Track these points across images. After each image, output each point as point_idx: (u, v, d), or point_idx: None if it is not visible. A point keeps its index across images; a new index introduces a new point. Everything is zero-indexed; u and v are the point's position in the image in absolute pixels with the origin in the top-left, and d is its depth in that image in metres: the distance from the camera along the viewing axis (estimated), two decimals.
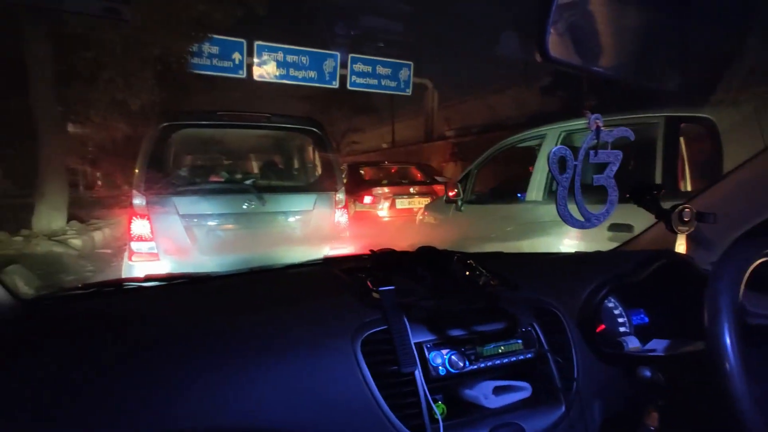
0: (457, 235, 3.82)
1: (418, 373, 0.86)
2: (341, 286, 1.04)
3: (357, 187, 7.21)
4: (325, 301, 0.97)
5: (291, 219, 3.13)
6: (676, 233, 1.27)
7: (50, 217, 6.53)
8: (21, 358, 0.74)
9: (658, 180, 2.43)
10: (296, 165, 4.04)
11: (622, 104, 2.59)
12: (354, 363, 0.84)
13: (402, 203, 6.91)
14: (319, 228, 3.15)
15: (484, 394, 0.89)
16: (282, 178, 3.79)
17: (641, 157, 2.65)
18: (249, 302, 0.99)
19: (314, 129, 3.37)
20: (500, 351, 0.94)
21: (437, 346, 0.90)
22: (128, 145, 13.11)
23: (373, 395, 0.82)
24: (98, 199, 11.76)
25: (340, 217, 3.28)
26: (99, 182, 14.96)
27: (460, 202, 3.70)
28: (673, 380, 0.97)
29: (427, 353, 0.89)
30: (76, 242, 5.99)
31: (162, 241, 2.80)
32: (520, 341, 0.97)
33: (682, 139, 2.54)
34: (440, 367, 0.88)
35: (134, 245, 2.81)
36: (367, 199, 6.92)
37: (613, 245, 1.63)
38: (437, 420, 0.84)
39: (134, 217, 2.82)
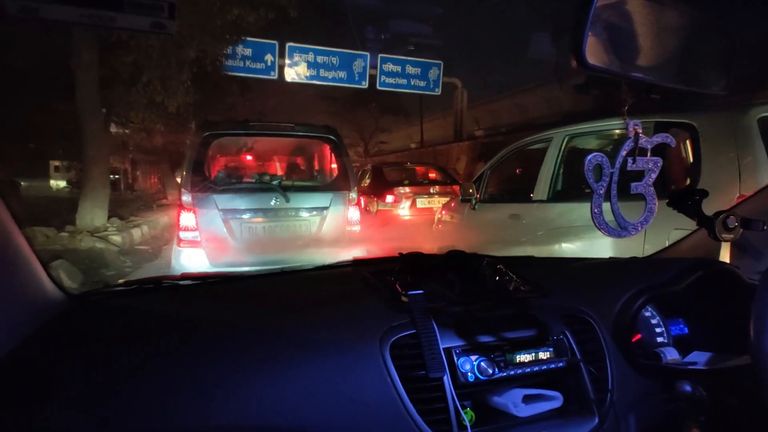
0: (472, 232, 3.98)
1: (447, 379, 0.85)
2: (370, 289, 1.04)
3: (380, 187, 7.42)
4: (354, 304, 0.97)
5: (310, 214, 3.63)
6: (719, 241, 1.20)
7: (93, 214, 6.81)
8: (70, 351, 0.78)
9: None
10: (315, 167, 4.63)
11: (662, 105, 2.54)
12: (382, 366, 0.83)
13: (422, 202, 7.11)
14: (334, 222, 3.64)
15: (513, 402, 0.87)
16: (303, 179, 4.31)
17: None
18: (281, 303, 1.00)
19: (331, 136, 3.87)
20: (531, 359, 0.92)
21: (466, 351, 0.89)
22: (166, 145, 13.69)
23: (401, 399, 0.81)
24: (137, 198, 12.27)
25: (353, 213, 3.74)
26: (139, 181, 15.59)
27: (474, 201, 3.85)
28: (716, 396, 0.93)
29: (455, 359, 0.87)
30: (117, 239, 6.24)
31: (204, 231, 3.32)
32: (551, 349, 0.94)
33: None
34: (469, 374, 0.87)
35: (182, 234, 3.33)
36: (390, 198, 7.12)
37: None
38: (465, 426, 0.83)
39: (182, 211, 3.35)
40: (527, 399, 0.88)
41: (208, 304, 1.01)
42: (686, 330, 1.20)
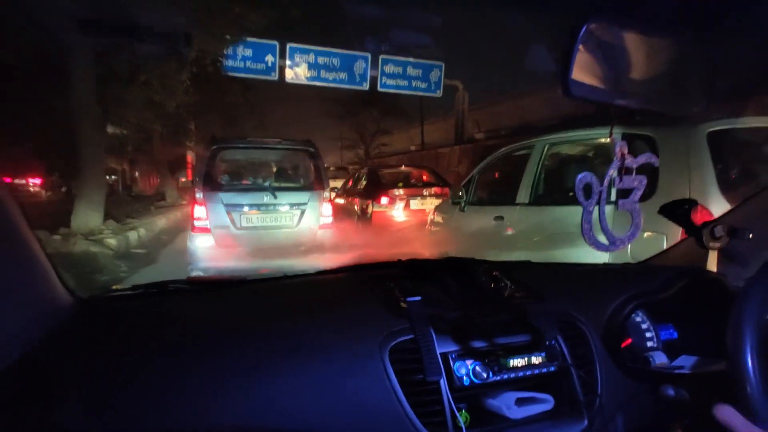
0: (460, 232, 4.20)
1: (443, 382, 0.87)
2: (370, 294, 1.05)
3: (375, 189, 7.43)
4: (355, 309, 1.00)
5: (293, 208, 4.69)
6: (707, 249, 1.26)
7: (87, 216, 6.67)
8: (79, 355, 0.79)
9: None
10: (297, 172, 5.80)
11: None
12: (382, 370, 0.86)
13: (415, 204, 7.16)
14: (311, 214, 4.73)
15: (506, 404, 0.90)
16: (288, 181, 5.43)
17: (600, 170, 2.86)
18: (284, 307, 1.03)
19: (310, 148, 5.02)
20: (524, 363, 0.95)
21: (462, 356, 0.92)
22: (165, 147, 13.68)
23: (399, 402, 0.84)
24: (135, 199, 12.21)
25: (326, 208, 4.83)
26: (138, 183, 15.55)
27: (463, 204, 4.10)
28: (699, 398, 0.95)
29: (452, 363, 0.90)
30: (112, 242, 6.09)
31: (212, 220, 4.40)
32: (543, 354, 0.97)
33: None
34: (464, 377, 0.90)
35: (196, 222, 4.40)
36: (384, 200, 7.19)
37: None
38: (460, 428, 0.86)
39: (196, 205, 4.40)
40: (520, 402, 0.91)
41: (213, 308, 1.04)
42: (675, 334, 1.23)
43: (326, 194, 4.90)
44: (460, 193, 4.09)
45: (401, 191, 7.08)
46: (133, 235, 6.83)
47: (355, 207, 7.98)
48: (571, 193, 3.04)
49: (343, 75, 14.78)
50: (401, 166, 8.73)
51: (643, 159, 0.97)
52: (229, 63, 13.38)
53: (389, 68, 15.13)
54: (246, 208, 4.54)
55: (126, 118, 6.95)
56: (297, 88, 15.84)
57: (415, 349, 0.89)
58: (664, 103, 1.04)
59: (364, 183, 8.13)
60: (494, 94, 17.91)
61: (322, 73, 14.62)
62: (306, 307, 1.02)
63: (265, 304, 1.07)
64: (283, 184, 5.10)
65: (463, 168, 12.21)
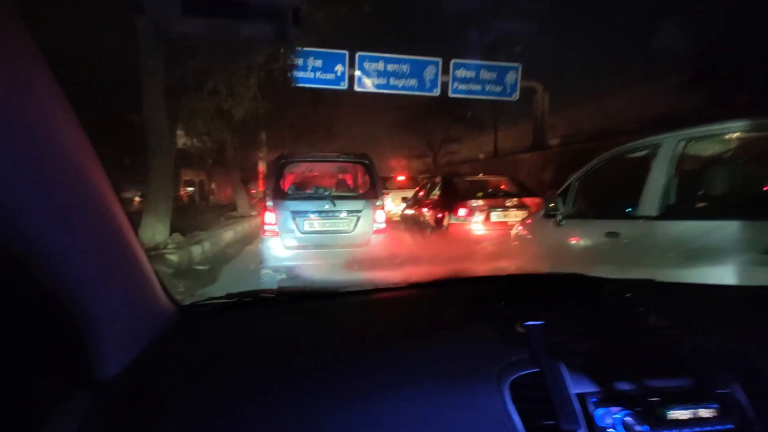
0: (557, 251, 3.63)
1: None
2: (477, 314, 0.96)
3: (451, 200, 6.67)
4: (462, 332, 0.90)
5: (349, 214, 5.16)
6: None
7: (155, 228, 6.58)
8: (181, 367, 0.79)
9: None
10: (354, 182, 6.31)
11: None
12: (501, 409, 0.72)
13: (497, 216, 6.28)
14: (365, 220, 5.18)
15: None
16: (345, 191, 5.79)
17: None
18: (381, 326, 0.97)
19: (365, 161, 5.47)
20: (689, 417, 0.74)
21: (604, 401, 0.75)
22: (237, 157, 13.98)
23: None
24: (210, 209, 12.41)
25: (379, 215, 5.25)
26: (215, 193, 16.03)
27: (560, 217, 3.53)
28: None
29: (591, 409, 0.74)
30: (173, 258, 5.88)
31: (280, 225, 4.96)
32: (716, 406, 0.76)
33: None
34: (610, 430, 0.72)
35: (266, 227, 4.96)
36: (462, 212, 6.40)
37: None
38: None
39: (266, 212, 4.98)
40: None
41: (306, 322, 1.01)
42: None
43: (379, 203, 5.27)
44: (555, 205, 3.51)
45: (481, 202, 6.26)
46: (197, 250, 6.57)
47: (428, 219, 7.28)
48: (727, 204, 2.47)
49: (413, 81, 14.34)
50: (479, 174, 7.87)
51: None
52: (300, 74, 13.52)
53: (461, 72, 14.46)
54: (309, 215, 5.04)
55: (196, 128, 6.75)
56: (364, 99, 15.72)
57: (540, 386, 0.74)
58: None
59: (437, 193, 7.40)
60: (570, 97, 16.37)
61: (392, 81, 14.30)
62: (406, 327, 0.96)
63: (359, 321, 1.02)
64: (341, 194, 5.45)
65: (547, 175, 11.01)
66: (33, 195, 0.54)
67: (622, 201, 3.23)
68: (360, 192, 5.58)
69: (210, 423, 0.69)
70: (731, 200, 2.52)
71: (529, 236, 4.20)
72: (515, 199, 6.27)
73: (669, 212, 2.73)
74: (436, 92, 14.44)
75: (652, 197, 2.81)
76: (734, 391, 0.79)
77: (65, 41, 4.78)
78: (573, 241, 3.46)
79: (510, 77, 14.65)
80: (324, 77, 14.05)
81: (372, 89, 14.32)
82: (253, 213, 12.03)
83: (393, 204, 11.36)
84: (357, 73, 14.09)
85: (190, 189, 14.61)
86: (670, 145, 2.80)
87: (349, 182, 6.22)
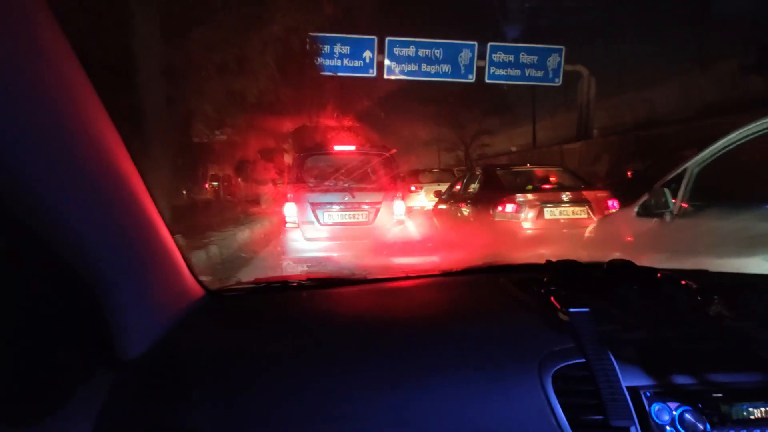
0: (669, 253, 2.92)
1: (635, 431, 0.66)
2: (517, 301, 0.92)
3: (495, 194, 5.75)
4: (501, 319, 0.86)
5: (369, 206, 5.22)
6: None
7: None
8: (208, 348, 0.79)
9: None
10: (374, 174, 5.95)
11: None
12: (545, 402, 0.68)
13: (551, 213, 5.30)
14: (385, 212, 5.23)
15: None
16: (365, 182, 5.57)
17: None
18: (414, 312, 0.93)
19: (384, 153, 5.53)
20: (760, 416, 0.69)
21: (660, 396, 0.69)
22: (261, 150, 13.43)
23: None
24: (234, 204, 11.83)
25: (398, 206, 5.28)
26: (239, 188, 15.54)
27: (669, 215, 2.89)
28: None
29: (646, 404, 0.68)
30: None
31: (300, 216, 5.05)
32: None
33: None
34: (668, 427, 0.67)
35: (287, 218, 5.03)
36: (509, 208, 5.45)
37: None
38: None
39: (287, 203, 5.05)
40: None
41: (336, 309, 0.97)
42: None
43: (399, 194, 5.36)
44: (664, 200, 2.87)
45: (531, 196, 5.32)
46: (199, 256, 5.61)
47: (467, 216, 6.42)
48: None
49: (446, 68, 13.42)
50: (526, 164, 6.88)
51: None
52: (326, 62, 12.93)
53: (498, 56, 13.43)
54: (329, 207, 5.09)
55: (204, 113, 5.98)
56: (392, 89, 14.91)
57: (587, 378, 0.69)
58: None
59: (477, 186, 6.51)
60: (612, 86, 14.96)
61: (423, 67, 13.43)
62: (439, 312, 0.92)
63: (391, 307, 0.97)
64: (361, 185, 5.38)
65: (601, 167, 9.88)
66: (66, 183, 0.55)
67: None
68: (380, 184, 5.54)
69: (235, 405, 0.68)
70: None
71: (614, 239, 3.45)
72: (572, 193, 5.30)
73: None
74: (472, 78, 13.48)
75: None
76: None
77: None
78: (697, 243, 2.76)
79: (552, 61, 13.52)
80: (351, 64, 13.32)
81: (403, 76, 13.49)
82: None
83: (426, 199, 10.52)
84: (386, 59, 13.30)
85: (215, 184, 14.16)
86: None
87: (370, 175, 6.10)
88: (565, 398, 0.68)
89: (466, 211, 6.57)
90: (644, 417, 0.67)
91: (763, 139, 2.66)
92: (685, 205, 2.89)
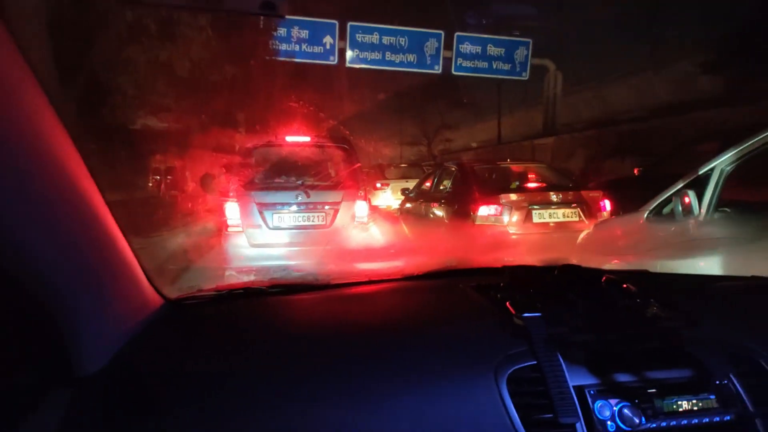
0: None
1: (580, 427, 0.72)
2: (475, 306, 0.96)
3: (474, 193, 5.07)
4: (459, 325, 0.89)
5: (326, 207, 4.51)
6: None
7: None
8: (169, 359, 0.79)
9: None
10: (332, 170, 5.16)
11: None
12: (500, 403, 0.72)
13: (540, 216, 4.68)
14: (345, 214, 4.53)
15: None
16: (322, 179, 4.81)
17: None
18: (375, 318, 0.94)
19: (344, 146, 4.93)
20: (687, 408, 0.76)
21: (603, 393, 0.76)
22: (205, 140, 12.14)
23: None
24: (177, 202, 10.57)
25: (360, 207, 4.59)
26: (187, 182, 14.16)
27: (694, 220, 2.50)
28: None
29: (590, 402, 0.74)
30: None
31: (244, 219, 4.32)
32: (713, 397, 0.77)
33: None
34: (608, 422, 0.73)
35: (229, 221, 4.31)
36: (490, 210, 4.77)
37: None
38: None
39: (228, 204, 4.30)
40: None
41: (299, 315, 0.98)
42: None
43: (361, 193, 4.66)
44: (689, 203, 2.52)
45: (517, 196, 4.68)
46: None
47: (440, 218, 5.72)
48: None
49: (411, 57, 12.70)
50: (507, 160, 6.23)
51: None
52: (282, 46, 11.93)
53: (466, 47, 12.86)
54: (279, 208, 4.43)
55: (120, 88, 4.62)
56: (354, 80, 14.09)
57: (539, 379, 0.75)
58: None
59: (452, 184, 5.83)
60: (569, 84, 14.82)
61: (388, 56, 12.64)
62: (401, 318, 0.94)
63: (353, 312, 0.98)
64: (317, 183, 4.70)
65: (576, 164, 9.50)
66: (8, 192, 0.52)
67: None
68: (339, 181, 4.83)
69: (200, 416, 0.67)
70: None
71: (619, 247, 3.03)
72: (562, 193, 4.71)
73: None
74: (438, 69, 12.86)
75: None
76: (732, 381, 0.79)
77: None
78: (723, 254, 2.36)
79: (520, 54, 13.12)
80: (311, 50, 12.33)
81: (366, 65, 12.65)
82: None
83: (393, 197, 9.81)
84: (348, 45, 12.41)
85: (156, 178, 12.75)
86: None
87: (327, 170, 5.36)
88: (518, 399, 0.72)
89: (439, 212, 5.88)
90: (588, 413, 0.72)
91: None
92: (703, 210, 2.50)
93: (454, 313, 0.94)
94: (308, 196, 4.46)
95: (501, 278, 1.02)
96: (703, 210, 2.51)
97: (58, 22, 3.89)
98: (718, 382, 0.78)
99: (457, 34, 12.72)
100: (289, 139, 4.94)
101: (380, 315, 0.95)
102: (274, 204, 4.42)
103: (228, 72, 5.91)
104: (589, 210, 4.60)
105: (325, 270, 3.91)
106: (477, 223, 4.81)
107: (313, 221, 4.52)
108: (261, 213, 4.38)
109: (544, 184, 5.02)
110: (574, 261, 3.09)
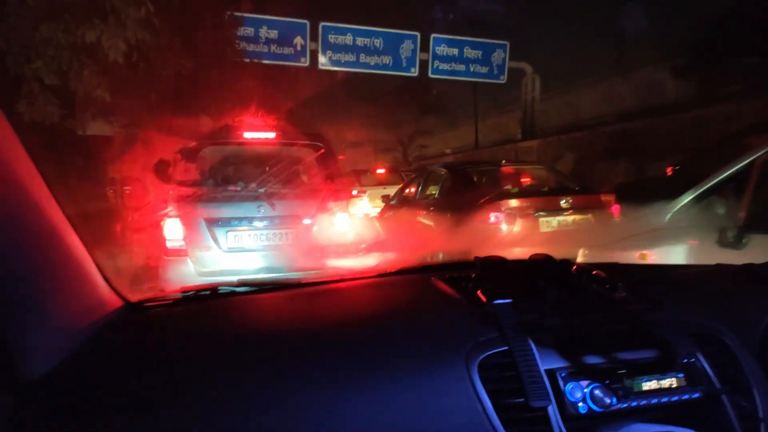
0: None
1: (553, 410, 0.72)
2: (446, 297, 0.97)
3: (470, 199, 4.46)
4: (430, 315, 0.90)
5: (296, 221, 3.50)
6: None
7: None
8: (126, 361, 0.75)
9: None
10: (303, 174, 4.29)
11: None
12: (471, 390, 0.72)
13: (548, 224, 4.13)
14: (322, 230, 3.55)
15: None
16: (290, 186, 3.84)
17: None
18: (345, 313, 0.94)
19: (319, 143, 3.90)
20: (656, 387, 0.77)
21: (574, 375, 0.76)
22: (158, 143, 11.13)
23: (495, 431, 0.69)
24: (121, 216, 9.49)
25: (341, 220, 3.62)
26: (148, 193, 13.07)
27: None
28: None
29: (561, 384, 0.75)
30: None
31: (189, 239, 3.30)
32: (681, 375, 0.79)
33: None
34: (580, 403, 0.74)
35: (168, 243, 3.28)
36: (492, 218, 4.14)
37: None
38: None
39: (167, 220, 3.29)
40: None
41: (269, 314, 0.96)
42: None
43: (342, 202, 3.79)
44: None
45: (520, 202, 4.10)
46: None
47: (430, 227, 5.11)
48: None
49: (387, 59, 12.20)
50: (502, 161, 5.65)
51: None
52: (250, 47, 11.16)
53: (442, 50, 12.46)
54: (233, 224, 3.45)
55: (31, 69, 3.61)
56: (326, 84, 13.48)
57: (510, 365, 0.75)
58: None
59: (441, 190, 5.23)
60: (571, 79, 14.71)
61: (362, 58, 12.09)
62: (371, 312, 0.93)
63: (326, 310, 0.97)
64: (284, 191, 3.70)
65: (565, 165, 9.10)
66: None
67: None
68: (311, 188, 3.91)
69: (155, 421, 0.64)
70: None
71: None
72: (572, 197, 4.17)
73: None
74: (414, 72, 12.42)
75: None
76: (699, 360, 0.81)
77: None
78: None
79: (497, 57, 12.83)
80: (280, 52, 11.66)
81: (338, 67, 12.06)
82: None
83: (371, 205, 9.17)
84: (321, 47, 11.78)
85: (109, 190, 11.60)
86: None
87: (296, 175, 4.31)
88: (490, 385, 0.72)
89: (426, 221, 5.27)
90: (560, 396, 0.73)
91: None
92: None
93: (425, 304, 0.95)
94: (273, 209, 3.50)
95: (473, 271, 1.01)
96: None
97: None
98: (685, 361, 0.79)
99: (433, 35, 12.32)
100: (248, 135, 3.90)
101: (350, 310, 0.95)
102: (229, 219, 3.43)
103: (182, 66, 5.11)
104: (603, 215, 4.09)
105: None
106: (474, 232, 4.21)
107: (279, 240, 3.51)
108: (211, 231, 3.37)
109: (549, 188, 4.49)
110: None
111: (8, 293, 0.61)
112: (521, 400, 0.70)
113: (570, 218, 4.08)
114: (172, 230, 3.31)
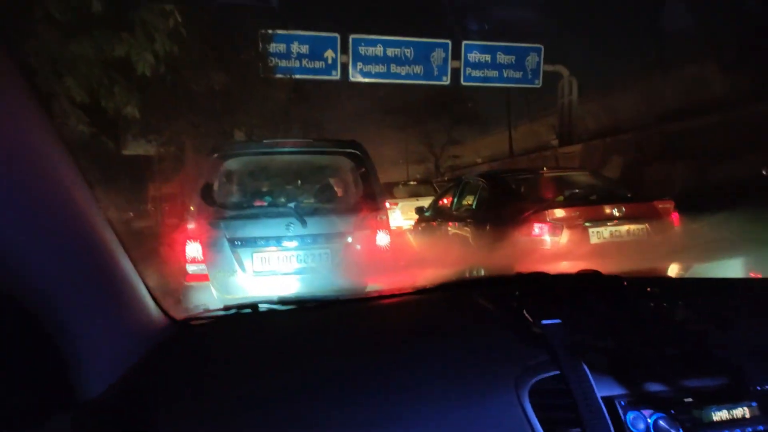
0: None
1: None
2: (489, 316, 0.93)
3: (512, 210, 4.16)
4: (474, 337, 0.84)
5: (330, 240, 3.18)
6: None
7: None
8: (176, 381, 0.76)
9: None
10: (337, 187, 3.95)
11: None
12: (523, 419, 0.67)
13: (599, 235, 3.75)
14: (358, 249, 3.19)
15: None
16: (323, 200, 3.56)
17: None
18: (388, 333, 0.91)
19: (355, 151, 3.52)
20: (728, 417, 0.69)
21: (634, 404, 0.69)
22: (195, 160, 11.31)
23: None
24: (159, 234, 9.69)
25: (382, 238, 3.27)
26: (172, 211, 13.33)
27: None
28: None
29: (621, 414, 0.68)
30: None
31: (211, 263, 3.03)
32: (754, 404, 0.71)
33: None
34: None
35: (189, 267, 3.04)
36: (536, 229, 3.83)
37: None
38: None
39: (188, 241, 3.05)
40: None
41: (309, 333, 0.94)
42: None
43: (382, 217, 3.35)
44: None
45: (567, 212, 3.78)
46: None
47: (467, 240, 4.83)
48: None
49: (418, 69, 12.06)
50: (543, 168, 5.33)
51: None
52: (282, 63, 11.31)
53: (474, 56, 12.21)
54: (260, 244, 3.11)
55: (64, 88, 3.57)
56: (355, 98, 13.49)
57: (563, 391, 0.69)
58: None
59: (479, 200, 4.95)
60: (607, 81, 14.07)
61: (393, 68, 12.01)
62: (412, 334, 0.89)
63: (366, 327, 0.95)
64: (316, 205, 3.39)
65: (612, 170, 8.56)
66: (9, 212, 0.52)
67: None
68: (347, 202, 3.55)
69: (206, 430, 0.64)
70: None
71: None
72: (625, 205, 3.81)
73: None
74: (446, 80, 12.22)
75: None
76: None
77: None
78: None
79: (531, 60, 12.45)
80: (312, 66, 11.75)
81: (370, 79, 12.00)
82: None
83: (403, 217, 8.95)
84: (351, 59, 11.79)
85: (149, 209, 11.92)
86: None
87: (330, 187, 3.96)
88: (542, 413, 0.67)
89: (463, 233, 5.00)
90: (620, 427, 0.67)
91: None
92: None
93: (468, 324, 0.91)
94: (305, 225, 3.14)
95: (515, 287, 0.94)
96: None
97: None
98: (759, 389, 0.71)
99: (465, 42, 12.11)
100: (275, 143, 3.64)
101: (392, 329, 0.93)
102: (255, 239, 3.08)
103: (214, 81, 5.09)
104: (661, 225, 3.70)
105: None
106: (517, 246, 3.91)
107: (311, 262, 3.13)
108: (235, 252, 3.05)
109: (598, 196, 4.14)
110: None
111: (68, 313, 0.63)
112: (578, 430, 0.65)
113: (623, 228, 3.72)
114: (192, 252, 3.04)
